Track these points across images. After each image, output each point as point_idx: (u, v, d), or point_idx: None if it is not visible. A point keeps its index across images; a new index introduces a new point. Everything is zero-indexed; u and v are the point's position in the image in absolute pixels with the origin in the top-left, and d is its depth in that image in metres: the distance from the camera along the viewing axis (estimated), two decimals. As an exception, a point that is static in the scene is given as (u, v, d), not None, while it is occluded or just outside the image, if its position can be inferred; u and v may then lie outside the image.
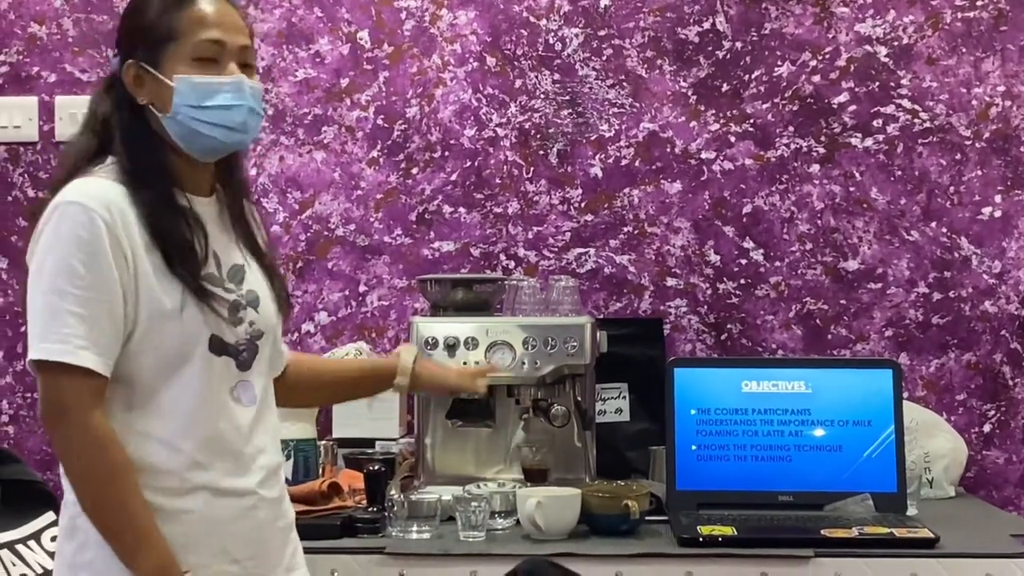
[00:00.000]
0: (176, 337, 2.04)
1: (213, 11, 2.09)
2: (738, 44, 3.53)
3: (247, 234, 2.20)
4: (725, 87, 3.53)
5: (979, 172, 3.50)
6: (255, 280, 2.16)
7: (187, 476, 2.06)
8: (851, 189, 3.51)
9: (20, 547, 2.86)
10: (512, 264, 3.53)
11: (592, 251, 3.53)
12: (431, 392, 2.92)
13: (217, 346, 2.07)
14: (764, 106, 3.52)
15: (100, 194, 2.03)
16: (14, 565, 2.82)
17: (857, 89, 3.51)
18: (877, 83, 3.50)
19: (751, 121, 3.52)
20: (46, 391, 2.00)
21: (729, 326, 3.52)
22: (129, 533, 2.00)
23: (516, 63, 3.55)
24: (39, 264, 2.02)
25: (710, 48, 3.53)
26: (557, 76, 3.54)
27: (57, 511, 2.89)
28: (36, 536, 2.89)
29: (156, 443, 2.04)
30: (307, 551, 2.28)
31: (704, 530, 2.74)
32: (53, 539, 2.87)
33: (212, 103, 2.06)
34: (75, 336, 1.97)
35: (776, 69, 3.52)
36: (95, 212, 2.00)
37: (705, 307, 3.52)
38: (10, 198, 3.56)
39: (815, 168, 3.51)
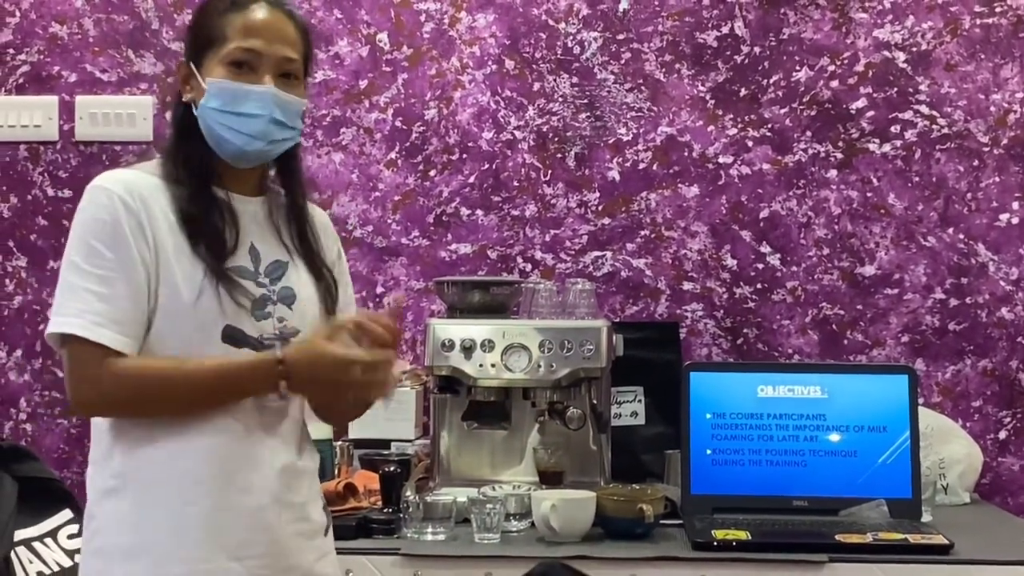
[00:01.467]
0: (191, 324, 2.06)
1: (259, 20, 2.12)
2: (756, 49, 3.53)
3: (301, 234, 2.21)
4: (743, 92, 3.53)
5: (997, 178, 3.50)
6: (298, 279, 2.17)
7: (196, 467, 2.07)
8: (868, 195, 3.51)
9: (37, 544, 2.87)
10: (529, 267, 3.54)
11: (609, 254, 3.53)
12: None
13: (234, 337, 2.08)
14: (782, 111, 3.52)
15: (126, 180, 2.10)
16: (31, 562, 2.83)
17: (875, 95, 3.51)
18: (895, 89, 3.50)
19: (769, 126, 3.52)
20: (70, 368, 2.05)
21: (745, 330, 3.52)
22: (217, 386, 2.05)
23: (535, 66, 3.55)
24: (67, 246, 2.08)
25: (728, 53, 3.53)
26: (575, 79, 3.55)
27: (74, 509, 2.92)
28: (53, 534, 2.90)
29: (167, 431, 2.07)
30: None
31: (718, 534, 2.74)
32: (70, 537, 2.89)
33: (236, 109, 2.10)
34: (90, 312, 2.02)
35: (794, 74, 3.52)
36: (115, 195, 2.06)
37: (721, 311, 3.52)
38: (30, 197, 3.57)
39: (832, 173, 3.51)
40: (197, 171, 2.13)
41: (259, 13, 2.12)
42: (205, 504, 2.06)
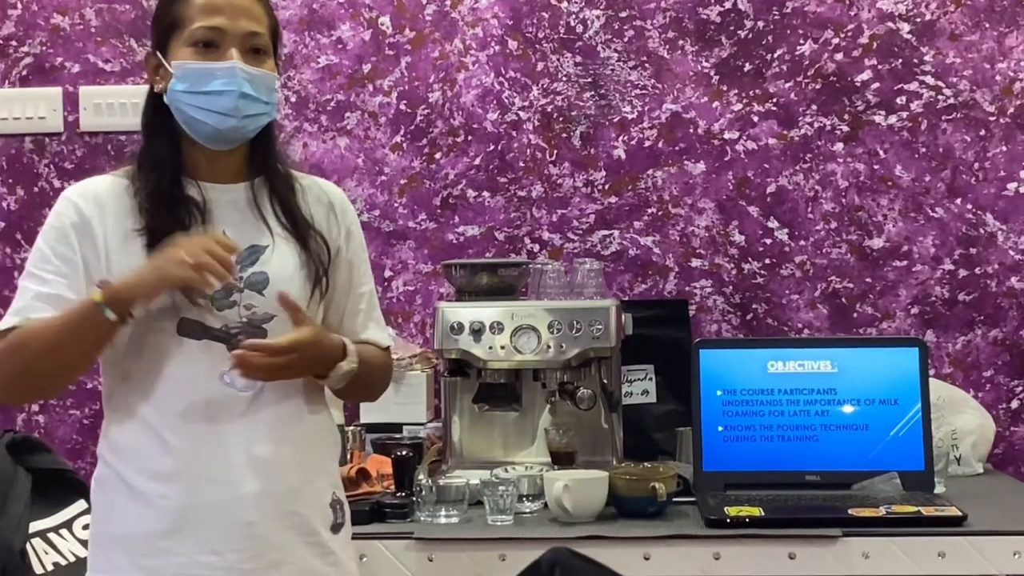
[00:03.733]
0: (145, 321, 2.09)
1: None
2: (760, 23, 3.52)
3: (286, 210, 2.20)
4: (747, 67, 3.52)
5: (1004, 148, 3.49)
6: (276, 261, 2.16)
7: (163, 460, 2.09)
8: (875, 167, 3.50)
9: (52, 535, 2.88)
10: (537, 247, 3.54)
11: (616, 233, 3.53)
12: None
13: (192, 330, 2.09)
14: (787, 85, 3.51)
15: (89, 188, 2.15)
16: (46, 553, 2.84)
17: (880, 66, 3.49)
18: (900, 60, 3.49)
19: (774, 100, 3.51)
20: None
21: (754, 306, 3.52)
22: (76, 327, 2.04)
23: (538, 46, 3.54)
24: None
25: (732, 28, 3.52)
26: (579, 58, 3.54)
27: (88, 499, 2.92)
28: (68, 524, 2.91)
29: (140, 422, 2.11)
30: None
31: (731, 511, 2.74)
32: (85, 527, 2.89)
33: (204, 88, 2.09)
34: (25, 309, 2.08)
35: (798, 48, 3.51)
36: (72, 202, 2.13)
37: (730, 287, 3.52)
38: (36, 189, 3.58)
39: (839, 146, 3.50)
40: (166, 168, 2.14)
41: None
42: (177, 498, 2.08)
